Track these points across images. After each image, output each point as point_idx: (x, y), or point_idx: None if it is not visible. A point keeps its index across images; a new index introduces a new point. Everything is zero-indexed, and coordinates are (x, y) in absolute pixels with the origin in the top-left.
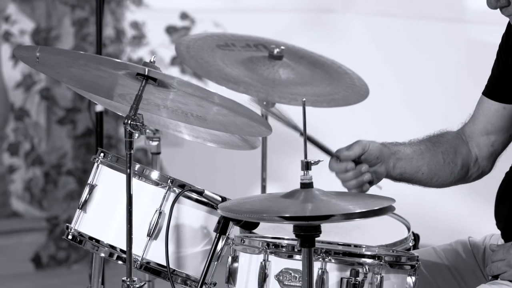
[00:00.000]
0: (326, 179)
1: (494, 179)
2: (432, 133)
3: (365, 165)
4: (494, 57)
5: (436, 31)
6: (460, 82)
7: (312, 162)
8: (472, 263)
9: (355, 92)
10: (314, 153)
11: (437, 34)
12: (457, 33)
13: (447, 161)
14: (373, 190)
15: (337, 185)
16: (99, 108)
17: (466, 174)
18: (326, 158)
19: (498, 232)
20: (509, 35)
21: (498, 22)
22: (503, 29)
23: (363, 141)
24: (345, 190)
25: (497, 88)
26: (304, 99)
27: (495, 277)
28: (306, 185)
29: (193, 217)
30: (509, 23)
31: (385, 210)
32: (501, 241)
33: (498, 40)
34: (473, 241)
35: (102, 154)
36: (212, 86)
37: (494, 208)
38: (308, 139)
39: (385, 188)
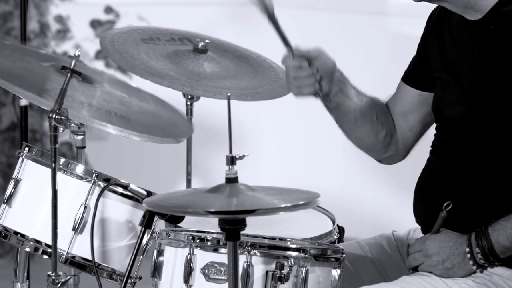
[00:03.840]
0: (251, 174)
1: (419, 173)
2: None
3: (317, 67)
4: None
5: (361, 24)
6: (387, 74)
7: (237, 156)
8: (397, 257)
9: (280, 86)
10: (239, 148)
11: (362, 27)
12: (381, 26)
13: (378, 120)
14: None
15: (261, 180)
16: (23, 102)
17: (386, 147)
18: (251, 153)
19: None
20: (428, 30)
21: (420, 15)
22: (424, 22)
23: (323, 50)
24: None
25: (415, 74)
26: (229, 94)
27: (415, 269)
28: (231, 180)
29: (119, 211)
30: (428, 18)
31: (309, 204)
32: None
33: (420, 32)
34: (397, 236)
35: (26, 149)
36: (136, 80)
37: (412, 204)
38: (275, 24)
39: (310, 180)
